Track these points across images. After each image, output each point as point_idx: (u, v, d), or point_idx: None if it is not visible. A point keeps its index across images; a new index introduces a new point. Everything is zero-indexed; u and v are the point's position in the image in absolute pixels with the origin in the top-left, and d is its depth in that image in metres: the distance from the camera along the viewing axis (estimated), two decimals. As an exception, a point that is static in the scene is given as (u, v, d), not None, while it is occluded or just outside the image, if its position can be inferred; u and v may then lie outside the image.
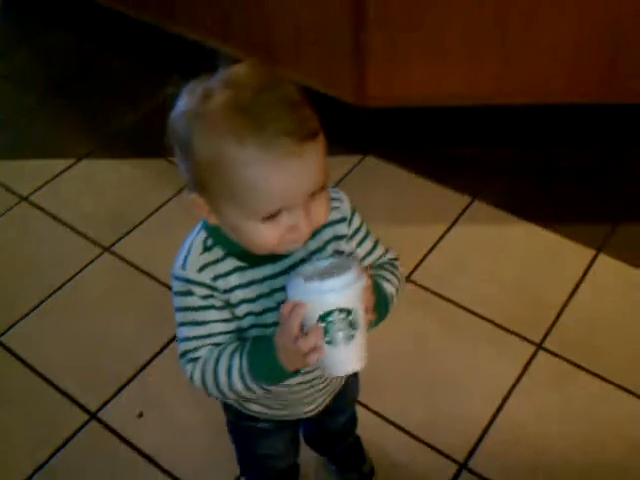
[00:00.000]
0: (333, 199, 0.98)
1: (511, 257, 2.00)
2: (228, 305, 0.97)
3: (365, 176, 2.26)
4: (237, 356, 0.95)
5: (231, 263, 0.95)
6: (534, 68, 2.07)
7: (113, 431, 1.66)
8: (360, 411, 1.51)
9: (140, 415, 1.69)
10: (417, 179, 2.23)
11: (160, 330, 1.80)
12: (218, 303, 0.96)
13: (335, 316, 0.85)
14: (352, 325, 0.86)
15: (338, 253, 0.99)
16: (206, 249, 0.95)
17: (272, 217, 0.85)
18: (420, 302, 1.89)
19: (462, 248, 2.03)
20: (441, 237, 2.06)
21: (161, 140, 2.62)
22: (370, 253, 1.07)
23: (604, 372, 1.72)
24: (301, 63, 2.21)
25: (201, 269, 0.94)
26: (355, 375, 1.27)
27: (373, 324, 0.95)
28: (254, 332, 0.99)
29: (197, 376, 0.98)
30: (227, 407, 1.21)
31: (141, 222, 2.15)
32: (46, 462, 1.62)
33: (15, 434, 1.68)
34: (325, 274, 0.86)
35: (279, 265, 0.96)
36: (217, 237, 0.95)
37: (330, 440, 1.48)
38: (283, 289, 0.94)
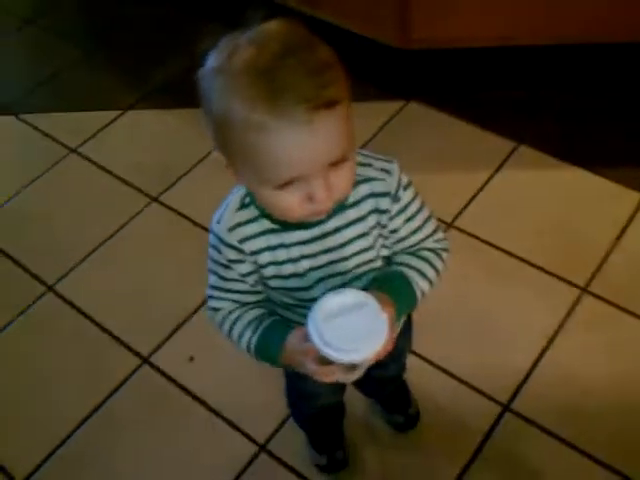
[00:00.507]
0: (382, 170, 0.97)
1: (557, 201, 1.99)
2: (256, 267, 0.99)
3: (408, 122, 2.25)
4: (250, 330, 1.00)
5: (264, 224, 0.96)
6: (583, 7, 2.02)
7: (165, 374, 1.72)
8: (405, 354, 1.53)
9: (191, 359, 1.74)
10: (461, 124, 2.21)
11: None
12: (243, 269, 0.99)
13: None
14: (355, 367, 0.91)
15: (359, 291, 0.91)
16: (243, 206, 0.97)
17: (285, 185, 0.84)
18: (464, 247, 1.89)
19: (507, 193, 2.01)
20: (486, 182, 2.04)
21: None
22: (415, 232, 1.02)
23: (650, 315, 1.72)
24: (343, 5, 2.18)
25: (232, 229, 0.96)
26: (407, 333, 1.29)
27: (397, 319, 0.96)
28: (282, 294, 1.04)
29: (216, 324, 1.07)
30: None
31: (188, 171, 2.18)
32: (102, 403, 1.69)
33: (71, 378, 1.75)
34: (345, 326, 0.86)
35: (310, 232, 0.96)
36: (253, 196, 0.95)
37: (378, 384, 1.51)
38: (311, 256, 0.97)
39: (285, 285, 1.01)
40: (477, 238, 1.91)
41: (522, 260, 1.85)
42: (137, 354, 1.77)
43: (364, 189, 0.97)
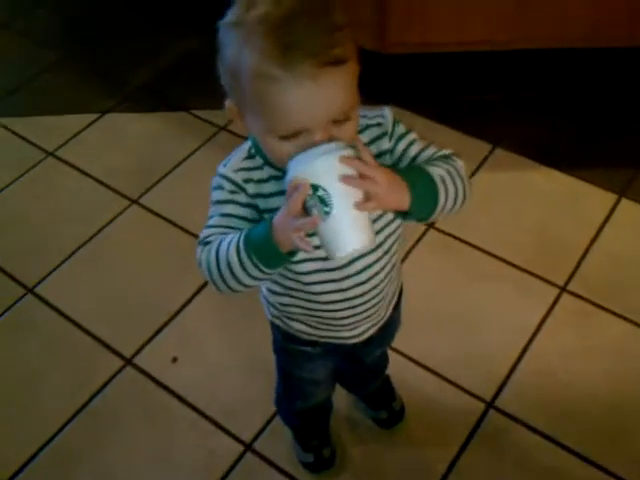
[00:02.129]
0: (376, 116, 1.01)
1: (533, 202, 2.02)
2: (255, 210, 0.99)
3: (386, 125, 2.27)
4: (238, 234, 0.96)
5: (268, 171, 0.98)
6: (554, 12, 2.06)
7: (148, 375, 1.72)
8: (388, 352, 1.55)
9: (174, 360, 1.74)
10: (438, 127, 2.23)
11: (191, 278, 1.84)
12: (242, 199, 0.99)
13: (310, 193, 0.85)
14: (323, 202, 0.85)
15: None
16: (249, 156, 1.00)
17: (289, 137, 0.87)
18: (444, 247, 1.92)
19: (484, 194, 2.04)
20: (463, 184, 2.07)
21: (182, 93, 2.64)
22: (419, 154, 1.02)
23: (627, 313, 1.75)
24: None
25: (237, 170, 0.99)
26: (398, 309, 1.29)
27: (416, 211, 0.92)
28: None
29: (204, 256, 0.99)
30: (275, 327, 1.25)
31: (167, 174, 2.18)
32: (85, 405, 1.68)
33: (53, 380, 1.74)
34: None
35: None
36: (259, 147, 0.98)
37: (362, 377, 1.52)
38: None
39: None
40: (457, 238, 1.94)
41: (501, 260, 1.88)
42: (120, 355, 1.76)
43: (363, 139, 0.98)
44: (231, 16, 0.88)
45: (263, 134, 0.90)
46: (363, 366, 1.44)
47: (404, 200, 0.90)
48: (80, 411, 1.67)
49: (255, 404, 1.62)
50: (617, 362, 1.67)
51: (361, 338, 1.19)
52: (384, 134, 1.01)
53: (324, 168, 0.85)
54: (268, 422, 1.61)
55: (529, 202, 2.02)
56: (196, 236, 1.81)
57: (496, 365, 1.68)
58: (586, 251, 1.89)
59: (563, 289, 1.81)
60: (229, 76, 0.89)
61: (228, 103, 0.94)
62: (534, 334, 1.72)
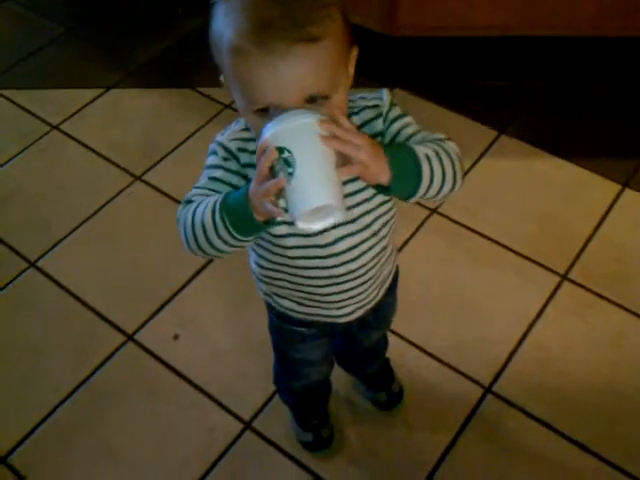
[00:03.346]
0: (373, 98, 1.00)
1: (537, 190, 2.02)
2: (245, 179, 0.99)
3: (392, 109, 2.26)
4: (215, 197, 0.96)
5: None
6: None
7: (149, 352, 1.72)
8: (388, 335, 1.55)
9: (175, 337, 1.74)
10: (444, 112, 2.23)
11: (194, 256, 1.83)
12: (233, 167, 0.99)
13: (277, 155, 0.84)
14: (287, 163, 0.84)
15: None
16: (246, 128, 1.00)
17: (262, 111, 0.87)
18: (447, 233, 1.92)
19: (489, 181, 2.04)
20: (468, 170, 2.07)
21: (186, 70, 2.63)
22: (412, 136, 1.00)
23: (627, 303, 1.76)
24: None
25: (233, 140, 1.00)
26: (393, 293, 1.29)
27: (397, 187, 0.91)
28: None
29: (182, 214, 0.99)
30: (268, 307, 1.25)
31: (171, 151, 2.18)
32: (86, 379, 1.69)
33: (54, 354, 1.74)
34: None
35: None
36: None
37: (361, 359, 1.53)
38: None
39: None
40: (459, 224, 1.94)
41: (503, 246, 1.88)
42: (122, 331, 1.76)
43: (355, 120, 0.98)
44: None
45: (241, 108, 0.91)
46: (361, 348, 1.46)
47: (384, 172, 0.89)
48: (81, 385, 1.68)
49: (255, 383, 1.63)
50: (616, 351, 1.68)
51: (350, 318, 1.19)
52: (379, 115, 1.00)
53: (290, 130, 0.84)
54: (268, 401, 1.62)
55: (533, 190, 2.02)
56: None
57: (495, 351, 1.68)
58: (588, 240, 1.89)
59: (564, 277, 1.81)
60: (215, 50, 0.90)
61: (222, 77, 0.94)
62: (534, 321, 1.73)
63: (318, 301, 1.14)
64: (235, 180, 0.99)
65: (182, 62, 2.46)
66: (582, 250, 1.87)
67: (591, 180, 2.04)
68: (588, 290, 1.79)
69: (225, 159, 1.00)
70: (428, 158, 0.93)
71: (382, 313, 1.30)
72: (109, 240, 1.97)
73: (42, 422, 1.63)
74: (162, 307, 1.80)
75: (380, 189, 0.92)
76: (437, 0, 2.07)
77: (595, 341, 1.70)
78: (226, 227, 0.93)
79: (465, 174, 2.02)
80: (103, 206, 2.04)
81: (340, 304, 1.15)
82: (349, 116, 0.97)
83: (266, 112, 0.87)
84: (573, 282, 1.81)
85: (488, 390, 1.63)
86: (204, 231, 0.95)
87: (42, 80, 2.46)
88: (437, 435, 1.57)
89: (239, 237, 0.94)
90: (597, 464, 1.51)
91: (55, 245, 1.95)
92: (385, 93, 1.02)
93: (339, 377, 1.58)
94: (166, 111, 2.32)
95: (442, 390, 1.64)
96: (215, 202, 0.94)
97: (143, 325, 1.77)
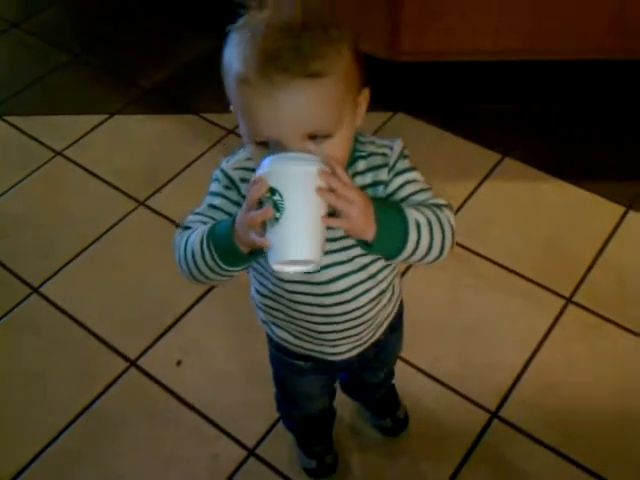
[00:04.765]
0: (383, 146, 0.98)
1: (541, 213, 2.02)
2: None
3: (395, 133, 2.25)
4: (207, 226, 0.96)
5: None
6: (567, 24, 2.06)
7: (152, 378, 1.71)
8: (394, 360, 1.54)
9: (178, 363, 1.73)
10: (448, 135, 2.24)
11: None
12: (233, 197, 0.99)
13: (267, 195, 0.84)
14: (276, 207, 0.83)
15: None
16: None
17: (264, 144, 0.87)
18: (451, 256, 1.90)
19: (492, 204, 2.04)
20: (471, 193, 2.07)
21: (191, 96, 2.64)
22: (412, 195, 0.98)
23: (632, 325, 1.75)
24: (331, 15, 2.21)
25: (237, 169, 0.99)
26: (397, 331, 1.28)
27: (379, 247, 0.90)
28: None
29: (177, 239, 1.00)
30: (268, 337, 1.24)
31: (175, 176, 2.18)
32: (89, 406, 1.67)
33: (56, 380, 1.73)
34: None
35: None
36: None
37: (366, 390, 1.52)
38: None
39: None
40: (464, 247, 1.93)
41: (508, 270, 1.88)
42: (124, 357, 1.75)
43: (361, 165, 0.97)
44: (241, 20, 0.89)
45: (245, 137, 0.91)
46: (366, 382, 1.45)
47: (370, 230, 0.88)
48: (83, 412, 1.67)
49: (258, 409, 1.61)
50: (623, 375, 1.66)
51: (344, 357, 1.18)
52: (385, 165, 0.97)
53: (288, 174, 0.84)
54: (271, 427, 1.60)
55: (537, 212, 2.02)
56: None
57: (502, 375, 1.67)
58: (593, 263, 1.88)
59: (569, 300, 1.80)
60: (225, 78, 0.90)
61: (231, 106, 0.94)
62: (540, 345, 1.72)
63: (312, 337, 1.13)
64: (233, 210, 0.98)
65: (186, 88, 2.48)
66: (587, 273, 1.86)
67: (595, 203, 2.03)
68: (593, 313, 1.78)
69: (226, 187, 1.00)
70: (418, 225, 0.92)
71: (384, 351, 1.28)
72: (112, 266, 1.97)
73: (45, 449, 1.61)
74: (165, 333, 1.80)
75: (362, 244, 0.92)
76: (440, 26, 2.07)
77: (602, 365, 1.69)
78: (212, 256, 0.94)
79: (468, 197, 2.05)
80: (106, 231, 2.04)
81: (334, 342, 1.14)
82: (356, 160, 0.97)
83: (265, 145, 0.87)
84: (578, 305, 1.79)
85: (494, 415, 1.61)
86: (193, 259, 0.96)
87: (47, 106, 2.48)
88: (443, 462, 1.55)
89: (225, 267, 0.95)
90: (605, 489, 1.50)
91: (58, 271, 1.95)
92: (398, 144, 0.99)
93: (344, 403, 1.57)
94: (170, 137, 2.33)
95: (447, 415, 1.62)
96: (204, 230, 0.95)
97: (146, 351, 1.76)
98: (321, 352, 1.17)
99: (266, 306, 1.14)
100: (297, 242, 0.84)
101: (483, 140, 2.21)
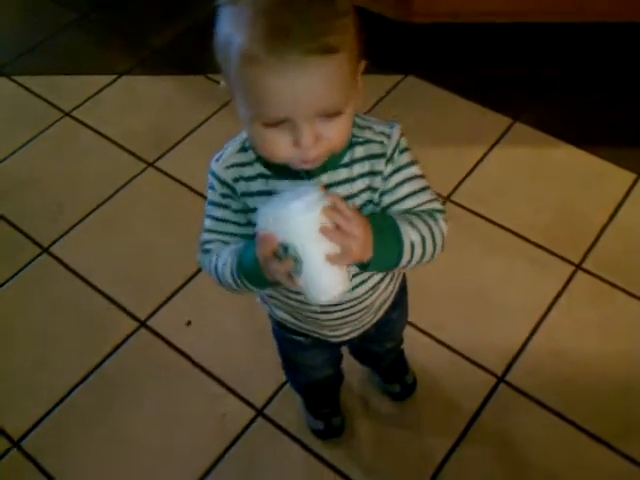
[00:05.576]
0: (381, 133, 0.96)
1: (551, 179, 2.00)
2: (246, 210, 0.99)
3: (405, 96, 2.25)
4: (233, 255, 0.98)
5: (257, 168, 0.97)
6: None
7: (162, 338, 1.73)
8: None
9: (188, 323, 1.75)
10: (458, 99, 2.22)
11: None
12: (235, 205, 0.99)
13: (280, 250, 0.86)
14: (293, 257, 0.86)
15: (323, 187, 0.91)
16: (242, 149, 0.98)
17: (273, 125, 0.84)
18: (459, 221, 1.90)
19: (502, 169, 2.03)
20: (482, 158, 2.06)
21: (199, 57, 2.62)
22: (406, 197, 0.98)
23: (642, 293, 1.75)
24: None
25: (228, 167, 0.98)
26: (400, 307, 1.28)
27: (372, 267, 0.92)
28: None
29: (205, 267, 1.05)
30: (270, 315, 1.25)
31: (183, 138, 2.18)
32: (99, 365, 1.69)
33: (67, 340, 1.75)
34: (285, 202, 0.86)
35: (298, 183, 0.94)
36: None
37: (373, 357, 1.53)
38: None
39: None
40: (473, 212, 1.93)
41: (517, 235, 1.87)
42: (134, 317, 1.77)
43: (359, 151, 0.96)
44: None
45: (248, 120, 0.87)
46: (371, 351, 1.46)
47: (367, 255, 0.89)
48: (93, 371, 1.69)
49: (267, 370, 1.63)
50: (632, 342, 1.67)
51: (344, 338, 1.19)
52: (382, 155, 0.96)
53: (295, 228, 0.84)
54: (279, 388, 1.62)
55: (547, 178, 2.01)
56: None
57: (509, 341, 1.68)
58: (603, 229, 1.87)
59: (578, 267, 1.80)
60: (220, 55, 0.85)
61: (222, 82, 0.90)
62: (548, 310, 1.72)
63: (311, 321, 1.14)
64: (240, 218, 1.00)
65: (195, 48, 2.44)
66: (597, 239, 1.85)
67: (606, 169, 2.02)
68: (603, 280, 1.77)
69: (225, 196, 0.99)
70: (412, 246, 0.94)
71: (385, 327, 1.27)
72: (122, 226, 1.97)
73: (55, 407, 1.63)
74: (175, 294, 1.81)
75: (356, 264, 0.92)
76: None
77: (609, 332, 1.69)
78: (247, 287, 0.99)
79: (479, 162, 2.04)
80: (116, 192, 2.05)
81: (333, 327, 1.15)
82: (353, 145, 0.95)
83: (276, 125, 0.84)
84: (587, 272, 1.79)
85: (501, 379, 1.62)
86: (231, 287, 1.01)
87: (55, 66, 2.46)
88: (449, 425, 1.56)
89: (264, 290, 1.03)
90: (611, 455, 1.50)
91: (68, 231, 1.96)
92: (395, 131, 0.97)
93: (353, 370, 1.58)
94: (179, 98, 2.31)
95: (456, 380, 1.63)
96: (232, 265, 0.98)
97: (156, 311, 1.78)
98: (321, 334, 1.18)
99: (265, 293, 1.15)
100: (325, 282, 0.89)
101: (494, 104, 2.19)
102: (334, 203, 0.85)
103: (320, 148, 0.86)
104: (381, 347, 1.45)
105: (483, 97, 2.21)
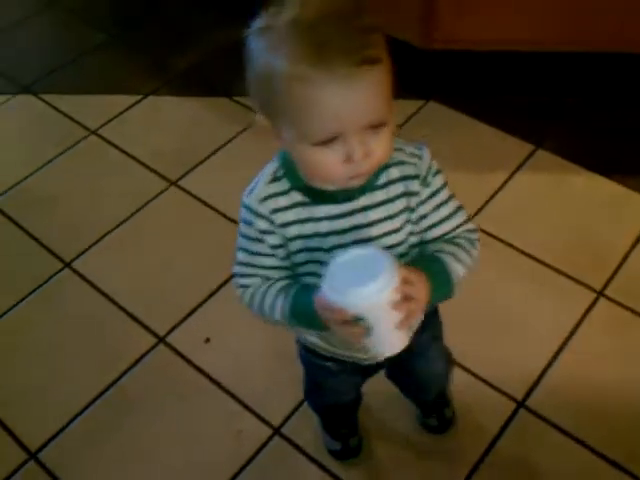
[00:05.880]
0: (412, 154, 0.98)
1: (573, 206, 2.00)
2: (284, 243, 0.99)
3: (427, 121, 2.26)
4: (282, 297, 0.99)
5: (294, 197, 0.97)
6: (603, 16, 2.03)
7: (180, 354, 1.73)
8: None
9: (207, 341, 1.75)
10: (480, 125, 2.23)
11: (226, 261, 1.81)
12: (272, 240, 0.99)
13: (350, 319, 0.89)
14: (364, 326, 0.88)
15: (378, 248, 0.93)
16: (275, 179, 0.98)
17: (324, 143, 0.85)
18: (482, 246, 1.89)
19: (524, 195, 2.03)
20: (503, 184, 2.06)
21: (225, 79, 2.64)
22: (445, 220, 1.02)
23: (664, 322, 1.73)
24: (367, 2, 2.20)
25: (263, 200, 0.97)
26: (429, 332, 1.26)
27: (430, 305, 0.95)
28: (310, 267, 1.02)
29: (247, 302, 1.05)
30: (298, 339, 1.25)
31: (206, 158, 2.19)
32: (117, 380, 1.69)
33: (86, 354, 1.76)
34: (354, 274, 0.87)
35: (339, 208, 0.96)
36: (287, 168, 0.97)
37: (412, 389, 1.49)
38: (339, 232, 0.97)
39: (313, 258, 1.01)
40: (494, 237, 1.92)
41: (539, 261, 1.86)
42: (153, 333, 1.77)
43: (394, 172, 0.97)
44: (259, 23, 0.86)
45: (296, 143, 0.87)
46: (418, 371, 1.39)
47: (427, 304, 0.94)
48: (111, 386, 1.69)
49: (285, 389, 1.62)
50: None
51: (374, 361, 1.17)
52: (416, 176, 0.98)
53: (369, 304, 0.86)
54: (297, 407, 1.61)
55: (569, 205, 2.00)
56: (232, 220, 1.83)
57: (529, 366, 1.66)
58: (625, 257, 1.86)
59: (600, 294, 1.79)
60: (260, 85, 0.86)
61: (259, 117, 0.91)
62: (569, 337, 1.70)
63: (343, 347, 1.14)
64: (278, 240, 1.00)
65: (220, 71, 2.48)
66: (619, 267, 1.84)
67: (628, 197, 2.01)
68: (625, 308, 1.76)
69: (261, 231, 0.99)
70: (459, 279, 1.01)
71: (417, 352, 1.21)
72: (144, 244, 1.99)
73: (72, 421, 1.64)
74: (194, 311, 1.81)
75: None
76: (474, 14, 2.05)
77: (631, 359, 1.67)
78: (299, 327, 1.04)
79: (500, 188, 2.04)
80: (138, 210, 2.06)
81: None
82: (389, 167, 0.97)
83: (325, 144, 0.85)
84: (609, 298, 1.78)
85: (521, 404, 1.60)
86: (280, 324, 1.03)
87: (82, 85, 2.50)
88: (468, 450, 1.55)
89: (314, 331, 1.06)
90: (628, 481, 1.49)
91: (90, 247, 1.98)
92: (425, 152, 1.00)
93: (370, 391, 1.55)
94: (202, 119, 2.34)
95: (474, 403, 1.62)
96: (283, 307, 0.99)
97: (175, 328, 1.78)
98: (351, 356, 1.17)
99: None
100: (392, 342, 0.94)
101: (516, 131, 2.19)
102: (404, 278, 0.87)
103: (369, 162, 0.88)
104: (426, 360, 1.34)
105: (506, 123, 2.21)
